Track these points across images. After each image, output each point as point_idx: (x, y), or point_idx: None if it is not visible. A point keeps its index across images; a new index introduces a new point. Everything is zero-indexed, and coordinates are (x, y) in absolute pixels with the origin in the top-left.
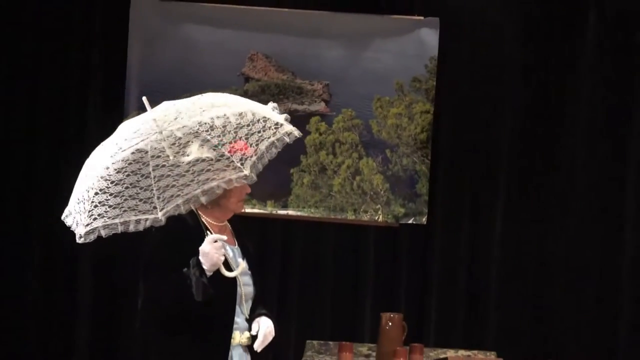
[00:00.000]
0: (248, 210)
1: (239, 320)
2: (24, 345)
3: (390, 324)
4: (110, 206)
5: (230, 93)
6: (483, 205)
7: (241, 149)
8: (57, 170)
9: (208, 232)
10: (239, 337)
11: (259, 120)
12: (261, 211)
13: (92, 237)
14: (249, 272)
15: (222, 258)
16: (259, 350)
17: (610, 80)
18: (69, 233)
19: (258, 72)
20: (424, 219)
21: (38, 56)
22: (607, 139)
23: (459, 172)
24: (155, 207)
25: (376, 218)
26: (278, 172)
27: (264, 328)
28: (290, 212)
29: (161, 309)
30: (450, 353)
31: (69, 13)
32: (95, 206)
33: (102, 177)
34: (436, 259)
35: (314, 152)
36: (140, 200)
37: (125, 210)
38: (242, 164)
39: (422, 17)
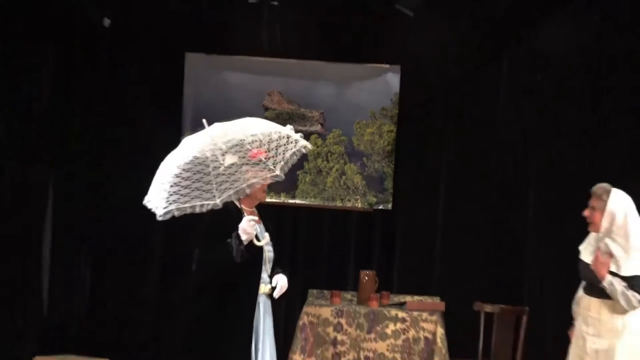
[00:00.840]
0: (268, 199)
1: (264, 276)
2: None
3: (366, 278)
4: (181, 195)
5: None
6: (431, 196)
7: (259, 153)
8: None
9: (244, 214)
10: (263, 288)
11: (282, 137)
12: (277, 200)
13: (168, 216)
14: (271, 242)
15: (255, 232)
16: (277, 297)
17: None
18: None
19: (274, 104)
20: (390, 206)
21: (132, 100)
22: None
23: (414, 173)
24: (214, 196)
25: (356, 205)
26: (288, 174)
27: (281, 282)
28: (297, 201)
29: (211, 268)
30: (408, 298)
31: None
32: (171, 195)
33: (175, 175)
34: (398, 232)
35: (313, 160)
36: (204, 191)
37: (192, 198)
38: (274, 166)
39: (388, 65)
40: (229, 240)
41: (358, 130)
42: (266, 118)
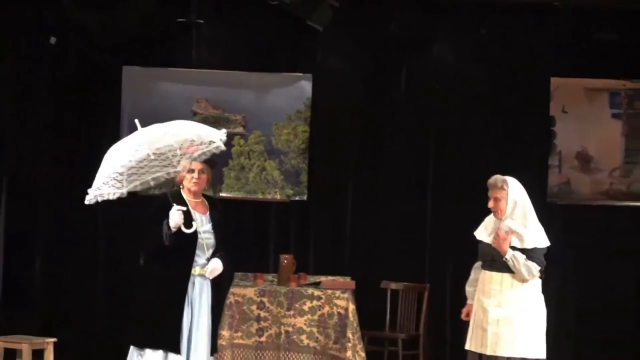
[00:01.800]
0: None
1: (200, 260)
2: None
3: (285, 261)
4: (113, 184)
5: None
6: (341, 187)
7: (188, 151)
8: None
9: (174, 204)
10: (198, 270)
11: (198, 141)
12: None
13: (93, 201)
14: (212, 230)
15: (181, 221)
16: (208, 276)
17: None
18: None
19: (201, 109)
20: (305, 197)
21: (73, 110)
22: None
23: (325, 168)
24: (123, 186)
25: (276, 197)
26: (215, 171)
27: (212, 264)
28: (224, 194)
29: (146, 248)
30: (322, 278)
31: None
32: (105, 183)
33: (111, 168)
34: (311, 218)
35: (237, 157)
36: (118, 180)
37: (110, 186)
38: (178, 163)
39: (301, 74)
40: (163, 225)
41: (276, 131)
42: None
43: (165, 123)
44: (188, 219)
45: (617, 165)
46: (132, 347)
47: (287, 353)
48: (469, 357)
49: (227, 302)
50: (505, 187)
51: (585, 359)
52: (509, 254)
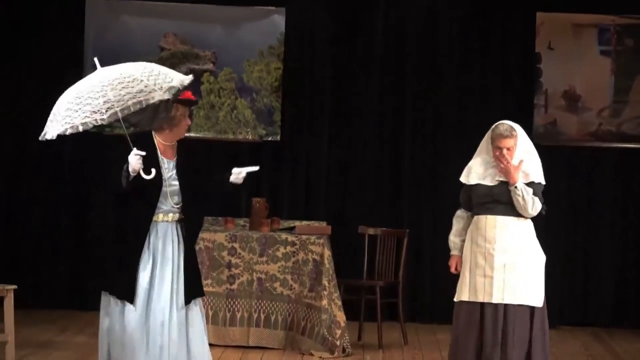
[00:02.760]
0: None
1: (164, 206)
2: None
3: (258, 204)
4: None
5: (152, 60)
6: (316, 127)
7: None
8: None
9: (135, 147)
10: (161, 216)
11: (144, 88)
12: None
13: (48, 136)
14: (176, 176)
15: (139, 166)
16: (234, 181)
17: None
18: None
19: (169, 44)
20: (278, 137)
21: (34, 46)
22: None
23: (298, 107)
24: (67, 123)
25: (247, 137)
26: None
27: (237, 170)
28: (192, 134)
29: (108, 191)
30: (297, 223)
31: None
32: (63, 118)
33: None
34: (285, 159)
35: (206, 95)
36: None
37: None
38: (106, 111)
39: (274, 7)
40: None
41: (248, 68)
42: (161, 58)
43: (125, 64)
44: (151, 164)
45: (606, 104)
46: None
47: (260, 301)
48: (462, 309)
49: (196, 247)
50: (515, 133)
51: (571, 301)
52: (519, 184)
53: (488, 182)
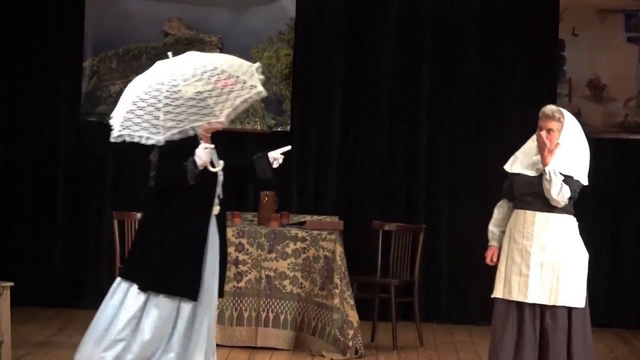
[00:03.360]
0: None
1: (216, 199)
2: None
3: (266, 198)
4: (134, 122)
5: (154, 45)
6: (328, 117)
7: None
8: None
9: (202, 141)
10: (215, 209)
11: (239, 81)
12: None
13: (120, 139)
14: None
15: (209, 159)
16: (274, 162)
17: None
18: None
19: (173, 29)
20: (288, 127)
21: (33, 30)
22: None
23: (309, 95)
24: (159, 132)
25: (256, 127)
26: None
27: (274, 154)
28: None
29: (165, 185)
30: (307, 218)
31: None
32: (125, 120)
33: (133, 101)
34: (296, 153)
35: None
36: (152, 125)
37: (142, 128)
38: (220, 112)
39: None
40: (185, 163)
41: (256, 54)
42: (165, 44)
43: (202, 55)
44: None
45: (633, 94)
46: (126, 284)
47: (268, 300)
48: (497, 306)
49: None
50: (562, 119)
51: (596, 302)
52: (550, 167)
53: (529, 171)
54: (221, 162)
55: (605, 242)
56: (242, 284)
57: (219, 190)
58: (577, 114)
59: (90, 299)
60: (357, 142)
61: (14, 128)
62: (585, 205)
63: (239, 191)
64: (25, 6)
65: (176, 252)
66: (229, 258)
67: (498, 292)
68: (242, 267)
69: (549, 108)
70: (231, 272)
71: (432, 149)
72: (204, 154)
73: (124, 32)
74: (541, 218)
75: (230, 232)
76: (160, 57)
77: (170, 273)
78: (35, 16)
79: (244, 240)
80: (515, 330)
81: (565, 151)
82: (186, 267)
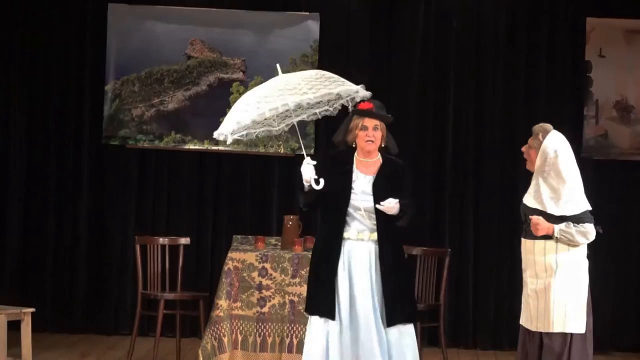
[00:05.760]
0: (191, 146)
1: (353, 223)
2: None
3: (290, 222)
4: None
5: (176, 68)
6: None
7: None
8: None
9: (309, 157)
10: (357, 235)
11: (319, 102)
12: (199, 147)
13: (230, 139)
14: (371, 192)
15: (312, 175)
16: (380, 208)
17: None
18: None
19: (196, 52)
20: (312, 151)
21: (56, 54)
22: None
23: (333, 117)
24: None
25: (279, 151)
26: (212, 120)
27: (388, 202)
28: (220, 148)
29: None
30: None
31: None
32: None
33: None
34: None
35: None
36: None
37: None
38: (278, 124)
39: (308, 13)
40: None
41: None
42: (188, 66)
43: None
44: (336, 177)
45: None
46: None
47: (293, 325)
48: (520, 332)
49: (225, 268)
50: (541, 137)
51: (624, 326)
52: (557, 231)
53: (528, 199)
54: (322, 182)
55: (632, 267)
56: (265, 309)
57: (360, 216)
58: (605, 136)
59: (112, 324)
60: None
61: (36, 152)
62: (611, 228)
63: (262, 215)
64: (47, 29)
65: (313, 271)
66: (252, 283)
67: (521, 319)
68: (265, 292)
69: (539, 125)
70: (255, 297)
71: (458, 172)
72: (304, 169)
73: (146, 55)
74: (531, 246)
75: (253, 257)
76: (183, 80)
77: (310, 293)
78: (58, 39)
79: (267, 265)
80: (523, 356)
81: (558, 188)
82: (318, 286)
